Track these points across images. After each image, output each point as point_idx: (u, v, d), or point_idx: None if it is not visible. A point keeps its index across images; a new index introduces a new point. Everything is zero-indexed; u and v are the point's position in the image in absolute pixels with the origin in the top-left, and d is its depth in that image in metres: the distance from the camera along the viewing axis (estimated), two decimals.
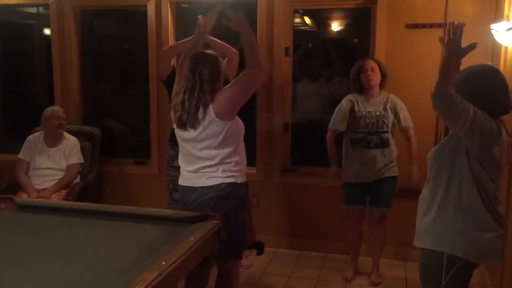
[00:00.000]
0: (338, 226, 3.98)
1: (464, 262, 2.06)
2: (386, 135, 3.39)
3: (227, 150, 2.51)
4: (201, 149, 2.50)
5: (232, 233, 2.49)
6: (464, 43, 2.01)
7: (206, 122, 2.45)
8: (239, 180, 2.57)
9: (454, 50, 2.00)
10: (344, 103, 3.48)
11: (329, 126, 3.53)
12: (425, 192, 2.21)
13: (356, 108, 3.42)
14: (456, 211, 2.07)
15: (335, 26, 4.71)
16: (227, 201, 2.52)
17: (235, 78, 2.51)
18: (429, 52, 3.56)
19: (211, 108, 2.44)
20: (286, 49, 4.06)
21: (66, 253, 2.04)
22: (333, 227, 4.08)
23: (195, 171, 2.54)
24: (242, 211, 2.64)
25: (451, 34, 2.02)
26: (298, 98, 4.34)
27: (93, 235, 2.28)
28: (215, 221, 2.30)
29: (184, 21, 4.33)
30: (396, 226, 3.81)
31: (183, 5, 4.28)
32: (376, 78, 3.40)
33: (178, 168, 2.70)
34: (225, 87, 2.50)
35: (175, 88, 2.64)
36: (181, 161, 2.64)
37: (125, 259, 1.94)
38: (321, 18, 4.63)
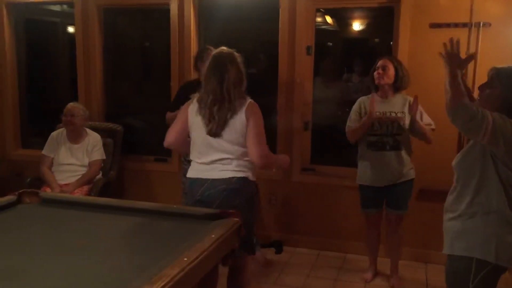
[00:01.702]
0: (357, 226, 3.95)
1: (493, 267, 2.03)
2: (401, 137, 3.33)
3: (246, 149, 2.55)
4: (223, 141, 2.54)
5: (245, 226, 2.51)
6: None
7: (233, 121, 2.51)
8: (250, 177, 2.60)
9: (454, 63, 2.04)
10: (356, 105, 3.45)
11: (346, 129, 3.44)
12: (451, 200, 2.18)
13: (364, 110, 3.37)
14: (485, 216, 2.04)
15: (357, 25, 4.68)
16: (237, 195, 2.54)
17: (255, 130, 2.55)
18: None
19: (243, 110, 2.50)
20: (308, 48, 4.05)
21: (87, 248, 2.06)
22: (352, 227, 4.06)
23: (208, 163, 2.57)
24: (252, 207, 2.65)
25: (449, 48, 2.07)
26: (319, 97, 4.32)
27: (115, 230, 2.31)
28: (236, 219, 2.30)
29: (206, 19, 4.34)
30: (415, 227, 3.78)
31: (206, 3, 4.29)
32: (386, 77, 3.31)
33: (189, 162, 2.73)
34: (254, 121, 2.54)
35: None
36: (194, 153, 2.65)
37: (146, 255, 1.95)
38: (342, 17, 4.61)
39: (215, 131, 2.53)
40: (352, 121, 3.42)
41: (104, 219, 2.44)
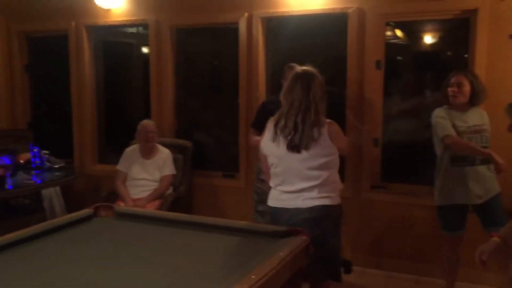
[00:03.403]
0: (432, 247, 3.76)
1: None
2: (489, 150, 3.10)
3: (330, 172, 2.51)
4: (309, 168, 2.48)
5: (328, 254, 2.46)
6: None
7: (320, 142, 2.46)
8: (334, 202, 2.54)
9: None
10: (440, 113, 3.23)
11: (447, 138, 3.12)
12: None
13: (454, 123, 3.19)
14: None
15: (428, 38, 4.51)
16: (321, 223, 2.48)
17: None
18: None
19: (326, 129, 2.47)
20: (377, 62, 3.96)
21: (157, 261, 2.11)
22: (426, 248, 3.87)
23: (293, 192, 2.52)
24: (336, 232, 2.59)
25: None
26: (389, 113, 4.20)
27: (184, 245, 2.34)
28: (304, 237, 2.26)
29: (274, 37, 4.38)
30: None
31: (273, 21, 4.33)
32: (461, 96, 3.14)
33: (261, 180, 2.72)
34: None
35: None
36: (277, 181, 2.59)
37: (214, 271, 1.97)
38: (413, 31, 4.46)
39: (298, 143, 2.45)
40: (450, 129, 3.15)
41: (174, 233, 2.49)
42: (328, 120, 2.52)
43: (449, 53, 4.53)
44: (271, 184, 2.63)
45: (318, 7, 4.02)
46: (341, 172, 3.99)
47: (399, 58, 4.60)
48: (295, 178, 2.51)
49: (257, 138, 3.39)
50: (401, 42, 4.57)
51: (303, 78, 2.51)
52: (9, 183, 4.03)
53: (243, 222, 2.55)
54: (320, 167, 2.48)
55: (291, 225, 2.45)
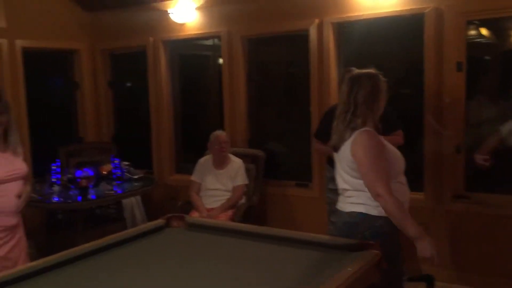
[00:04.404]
0: None
1: None
2: None
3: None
4: (343, 170, 2.44)
5: None
6: None
7: (347, 145, 2.36)
8: (372, 212, 2.36)
9: None
10: None
11: None
12: None
13: None
14: None
15: None
16: (358, 230, 2.36)
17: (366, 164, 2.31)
18: None
19: (355, 135, 2.33)
20: (458, 64, 3.72)
21: (224, 273, 2.09)
22: None
23: (340, 193, 2.52)
24: (385, 246, 2.34)
25: None
26: (474, 117, 3.92)
27: (253, 257, 2.31)
28: (376, 251, 2.15)
29: (346, 42, 4.27)
30: None
31: (345, 26, 4.23)
32: None
33: (331, 190, 2.64)
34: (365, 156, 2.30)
35: None
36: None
37: (282, 285, 1.92)
38: (500, 28, 4.14)
39: (336, 143, 2.43)
40: None
41: (243, 245, 2.47)
42: (364, 129, 2.34)
43: None
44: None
45: (391, 9, 3.87)
46: (420, 181, 3.85)
47: (486, 58, 4.30)
48: (339, 178, 2.50)
49: (320, 146, 3.31)
50: (486, 41, 4.26)
51: (350, 80, 2.43)
52: (92, 193, 4.26)
53: (311, 234, 2.48)
54: (350, 172, 2.38)
55: (338, 227, 2.46)
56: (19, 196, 2.84)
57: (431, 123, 3.83)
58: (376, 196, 2.25)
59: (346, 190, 2.44)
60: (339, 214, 2.49)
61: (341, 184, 2.49)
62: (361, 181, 2.35)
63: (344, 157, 2.38)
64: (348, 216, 2.42)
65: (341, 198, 2.51)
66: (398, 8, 3.84)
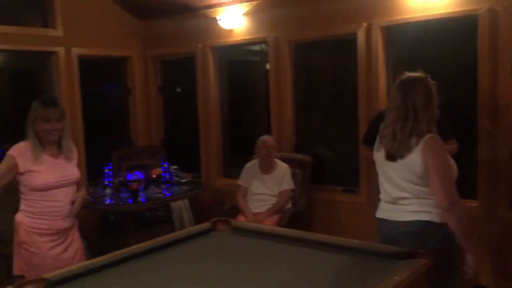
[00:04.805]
0: None
1: None
2: None
3: (426, 188, 2.31)
4: (402, 178, 2.35)
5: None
6: None
7: (416, 152, 2.29)
8: (436, 219, 2.30)
9: None
10: None
11: None
12: None
13: None
14: None
15: None
16: (421, 239, 2.29)
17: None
18: None
19: (421, 145, 2.28)
20: None
21: (267, 278, 2.10)
22: None
23: (391, 202, 2.41)
24: (447, 254, 2.33)
25: None
26: None
27: (296, 263, 2.30)
28: (425, 260, 2.09)
29: (395, 46, 4.18)
30: None
31: (394, 29, 4.15)
32: None
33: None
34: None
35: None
36: (381, 191, 2.52)
37: None
38: None
39: (395, 152, 2.34)
40: None
41: (287, 250, 2.46)
42: (431, 134, 2.30)
43: None
44: (380, 194, 2.55)
45: (442, 11, 3.76)
46: (473, 188, 3.71)
47: None
48: (391, 187, 2.40)
49: (368, 153, 3.24)
50: None
51: (403, 85, 2.37)
52: (142, 196, 4.38)
53: (357, 241, 2.44)
54: (414, 180, 2.31)
55: (390, 239, 2.36)
56: (71, 202, 2.91)
57: (486, 127, 3.69)
58: (449, 203, 2.22)
59: (404, 198, 2.36)
60: (391, 225, 2.40)
61: (394, 193, 2.40)
62: (425, 189, 2.30)
63: (410, 164, 2.31)
64: (408, 225, 2.33)
65: (390, 207, 2.42)
66: (450, 10, 3.73)
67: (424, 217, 2.31)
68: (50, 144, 2.88)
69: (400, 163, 2.34)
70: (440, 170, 2.26)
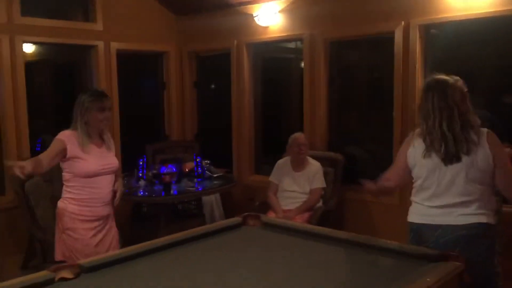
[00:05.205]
0: None
1: None
2: None
3: (488, 188, 2.28)
4: (467, 180, 2.27)
5: (482, 280, 2.19)
6: None
7: (482, 145, 2.25)
8: (491, 221, 2.27)
9: None
10: None
11: None
12: None
13: None
14: None
15: None
16: (475, 244, 2.24)
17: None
18: None
19: (485, 137, 2.25)
20: None
21: (294, 275, 2.10)
22: None
23: (444, 207, 2.32)
24: (494, 255, 2.32)
25: None
26: None
27: (325, 262, 2.30)
28: (458, 263, 2.05)
29: (434, 45, 4.10)
30: None
31: (432, 30, 4.06)
32: None
33: None
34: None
35: None
36: (425, 196, 2.40)
37: None
38: None
39: (454, 152, 2.25)
40: None
41: (317, 248, 2.47)
42: (485, 129, 2.29)
43: None
44: (415, 198, 2.45)
45: (485, 9, 3.65)
46: None
47: None
48: (448, 192, 2.31)
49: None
50: None
51: (437, 86, 2.32)
52: (174, 189, 4.45)
53: (389, 242, 2.41)
54: (480, 178, 2.25)
55: (440, 244, 2.27)
56: (112, 190, 3.04)
57: None
58: None
59: (462, 202, 2.28)
60: (444, 229, 2.31)
61: (451, 198, 2.30)
62: (487, 189, 2.28)
63: (476, 162, 2.24)
64: (462, 230, 2.27)
65: (441, 212, 2.33)
66: (493, 9, 3.62)
67: (483, 219, 2.26)
68: (97, 133, 3.01)
69: (466, 160, 2.26)
70: (508, 163, 2.26)
